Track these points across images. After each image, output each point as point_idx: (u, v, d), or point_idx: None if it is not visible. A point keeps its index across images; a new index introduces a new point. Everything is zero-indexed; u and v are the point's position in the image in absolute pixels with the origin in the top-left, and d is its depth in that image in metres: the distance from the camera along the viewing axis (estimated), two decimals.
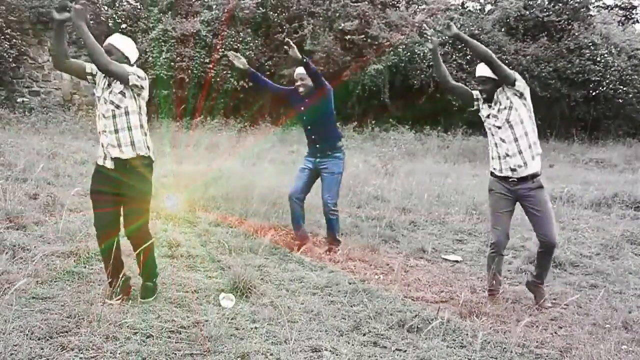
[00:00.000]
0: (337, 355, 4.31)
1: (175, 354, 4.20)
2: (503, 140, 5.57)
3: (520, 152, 5.54)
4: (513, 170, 5.56)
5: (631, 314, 5.43)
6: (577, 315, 5.48)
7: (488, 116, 5.67)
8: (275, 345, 4.41)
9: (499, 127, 5.56)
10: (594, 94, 21.98)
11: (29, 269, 5.46)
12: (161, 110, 17.21)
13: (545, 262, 5.75)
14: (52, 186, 8.49)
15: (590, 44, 21.56)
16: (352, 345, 4.51)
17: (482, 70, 5.59)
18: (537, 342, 4.73)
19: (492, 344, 4.62)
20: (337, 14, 19.62)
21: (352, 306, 5.36)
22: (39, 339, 4.20)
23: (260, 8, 19.44)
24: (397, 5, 21.81)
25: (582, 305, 5.71)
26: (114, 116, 4.92)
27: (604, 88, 21.84)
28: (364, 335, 4.73)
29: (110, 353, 4.09)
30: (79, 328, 4.42)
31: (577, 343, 4.67)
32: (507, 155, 5.56)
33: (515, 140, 5.52)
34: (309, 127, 7.10)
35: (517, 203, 5.73)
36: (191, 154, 12.19)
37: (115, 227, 5.08)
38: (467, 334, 4.76)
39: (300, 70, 6.89)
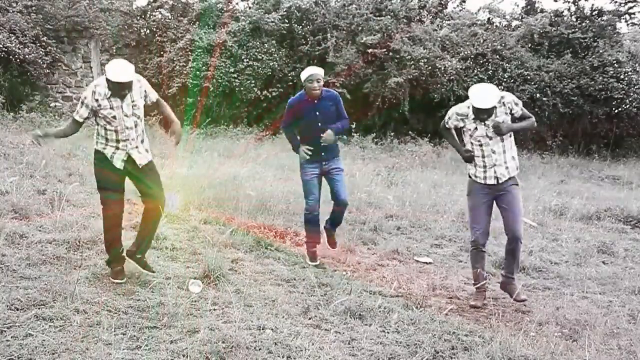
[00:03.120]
0: (277, 333, 4.83)
1: (135, 326, 4.77)
2: (494, 152, 5.94)
3: (505, 162, 5.98)
4: (498, 178, 5.99)
5: (560, 311, 5.86)
6: (518, 313, 5.92)
7: (476, 129, 5.94)
8: (225, 323, 4.96)
9: (491, 138, 5.91)
10: (616, 111, 22.03)
11: (22, 252, 6.11)
12: (185, 118, 17.87)
13: (512, 256, 6.12)
14: (61, 183, 9.16)
15: (615, 61, 21.64)
16: (296, 326, 5.03)
17: (488, 102, 5.72)
18: (461, 330, 5.20)
19: (422, 329, 5.10)
20: (360, 28, 20.16)
21: (310, 296, 5.87)
22: (17, 310, 4.81)
23: (286, 20, 20.07)
24: (423, 20, 22.26)
25: (526, 304, 6.14)
26: (136, 125, 5.65)
27: (627, 106, 21.89)
28: (310, 319, 5.26)
29: (77, 323, 4.67)
30: (55, 302, 5.02)
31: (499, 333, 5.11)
32: (495, 165, 5.96)
33: (504, 152, 5.97)
34: (321, 137, 6.84)
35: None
36: (205, 159, 12.76)
37: (121, 197, 5.82)
38: (403, 322, 5.25)
39: (316, 70, 6.86)
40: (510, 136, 6.00)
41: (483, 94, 5.74)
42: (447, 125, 6.20)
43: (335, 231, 7.43)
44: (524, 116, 6.04)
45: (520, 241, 6.08)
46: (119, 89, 5.42)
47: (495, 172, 5.96)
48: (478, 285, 6.14)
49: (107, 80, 5.41)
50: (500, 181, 5.97)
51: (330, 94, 6.98)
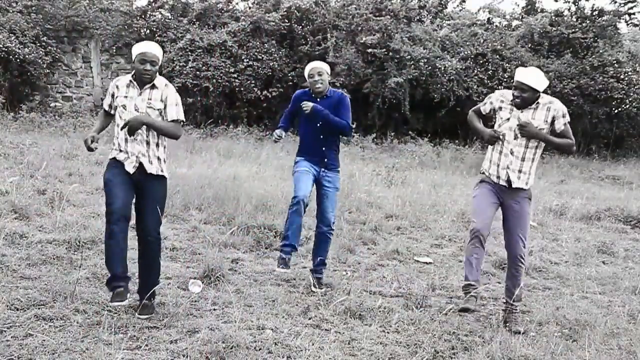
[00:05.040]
0: (277, 333, 4.84)
1: (135, 326, 4.77)
2: (512, 153, 5.45)
3: (520, 171, 5.46)
4: (510, 182, 5.48)
5: (560, 311, 5.86)
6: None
7: (508, 119, 5.47)
8: (225, 323, 4.96)
9: (516, 137, 5.43)
10: (616, 111, 22.04)
11: (22, 252, 6.11)
12: (186, 118, 17.82)
13: (511, 278, 5.63)
14: (62, 183, 9.15)
15: (615, 61, 21.66)
16: (296, 326, 5.04)
17: (527, 78, 5.31)
18: (461, 330, 5.21)
19: (422, 329, 5.11)
20: (360, 28, 20.17)
21: (310, 296, 5.88)
22: (17, 310, 4.81)
23: (286, 20, 20.09)
24: (423, 20, 22.27)
25: (526, 304, 6.14)
26: (148, 128, 5.08)
27: (627, 106, 21.91)
28: (310, 319, 5.26)
29: (77, 323, 4.68)
30: (55, 302, 5.02)
31: (499, 333, 5.12)
32: (509, 167, 5.46)
33: (523, 159, 5.46)
34: (321, 136, 6.25)
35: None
36: (205, 159, 12.75)
37: (127, 212, 4.99)
38: (403, 322, 5.25)
39: (318, 64, 6.31)
40: (538, 149, 5.50)
41: (528, 70, 5.38)
42: (482, 108, 5.71)
43: (322, 274, 6.36)
44: (564, 134, 5.48)
45: (521, 260, 5.61)
46: (143, 61, 5.00)
47: (507, 174, 5.45)
48: (469, 288, 5.44)
49: (135, 57, 5.05)
50: (512, 185, 5.47)
51: (336, 94, 6.35)
